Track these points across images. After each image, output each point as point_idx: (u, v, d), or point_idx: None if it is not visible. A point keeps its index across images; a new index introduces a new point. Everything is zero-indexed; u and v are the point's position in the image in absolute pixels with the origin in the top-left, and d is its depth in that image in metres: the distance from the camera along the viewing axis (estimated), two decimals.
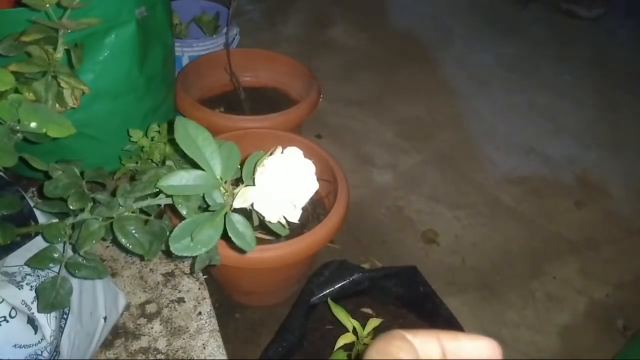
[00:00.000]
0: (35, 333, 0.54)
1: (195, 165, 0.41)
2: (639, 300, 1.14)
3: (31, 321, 0.54)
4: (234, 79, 1.14)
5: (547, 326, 1.06)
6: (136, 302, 0.82)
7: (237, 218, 0.41)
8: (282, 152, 0.40)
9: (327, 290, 0.85)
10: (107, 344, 0.75)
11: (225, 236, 0.41)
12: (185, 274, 0.87)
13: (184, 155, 0.41)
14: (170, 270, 0.87)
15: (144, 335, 0.77)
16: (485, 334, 0.20)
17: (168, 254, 0.82)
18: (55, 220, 0.55)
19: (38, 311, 0.54)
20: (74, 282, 0.57)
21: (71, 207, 0.50)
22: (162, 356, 0.75)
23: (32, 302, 0.55)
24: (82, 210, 0.51)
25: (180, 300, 0.83)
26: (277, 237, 0.78)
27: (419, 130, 1.55)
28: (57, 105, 0.54)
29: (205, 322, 0.80)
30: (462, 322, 0.82)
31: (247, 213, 0.43)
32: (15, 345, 0.52)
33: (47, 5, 0.53)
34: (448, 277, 1.13)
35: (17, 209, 0.55)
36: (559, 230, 1.28)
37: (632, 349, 0.95)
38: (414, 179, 1.37)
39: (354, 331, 0.76)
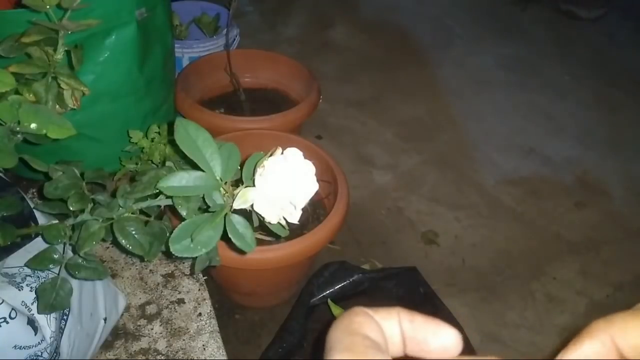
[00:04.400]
0: (36, 334, 0.54)
1: (195, 166, 0.41)
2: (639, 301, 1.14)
3: (31, 322, 0.54)
4: (234, 80, 1.14)
5: (547, 327, 1.06)
6: (136, 303, 0.82)
7: (237, 219, 0.41)
8: (282, 153, 0.40)
9: (327, 291, 0.85)
10: (107, 345, 0.75)
11: (225, 237, 0.41)
12: (185, 275, 0.87)
13: (184, 156, 0.41)
14: (170, 272, 0.87)
15: (144, 337, 0.77)
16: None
17: (168, 255, 0.82)
18: (55, 222, 0.55)
19: (38, 312, 0.54)
20: (74, 283, 0.57)
21: (71, 208, 0.50)
22: (162, 357, 0.75)
23: (32, 303, 0.55)
24: (82, 211, 0.51)
25: (180, 302, 0.83)
26: (277, 238, 0.77)
27: (419, 130, 1.55)
28: (57, 106, 0.54)
29: (205, 323, 0.80)
30: (462, 323, 0.82)
31: (247, 214, 0.43)
32: (15, 346, 0.52)
33: (48, 7, 0.53)
34: (448, 278, 1.13)
35: (17, 210, 0.56)
36: (559, 231, 1.28)
37: None
38: (414, 180, 1.37)
39: None
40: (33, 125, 0.47)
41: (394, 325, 0.18)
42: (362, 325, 0.18)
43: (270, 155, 0.40)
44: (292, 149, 0.40)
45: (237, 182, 0.43)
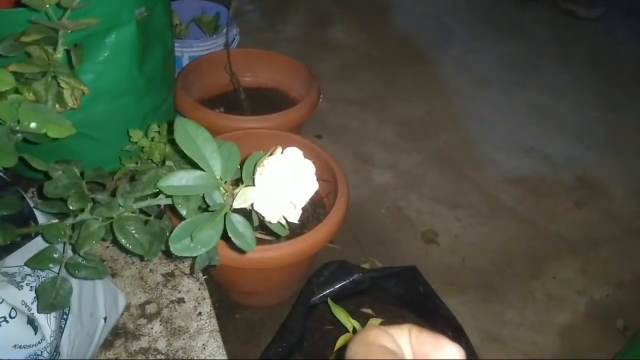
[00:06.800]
0: (35, 333, 0.54)
1: (195, 166, 0.41)
2: (639, 300, 1.14)
3: (31, 321, 0.54)
4: (234, 79, 1.14)
5: (547, 326, 1.06)
6: (136, 302, 0.82)
7: (237, 218, 0.41)
8: (282, 152, 0.40)
9: (327, 291, 0.85)
10: (107, 345, 0.75)
11: (225, 236, 0.41)
12: (185, 274, 0.87)
13: (183, 156, 0.41)
14: (170, 271, 0.87)
15: (144, 336, 0.77)
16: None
17: (168, 254, 0.82)
18: (55, 221, 0.55)
19: (38, 311, 0.54)
20: (74, 282, 0.57)
21: (71, 208, 0.50)
22: (162, 356, 0.75)
23: (32, 303, 0.55)
24: (82, 210, 0.51)
25: (180, 301, 0.83)
26: (277, 237, 0.78)
27: (419, 130, 1.55)
28: (57, 105, 0.54)
29: (205, 323, 0.80)
30: (462, 322, 0.82)
31: (247, 213, 0.43)
32: (15, 346, 0.52)
33: (47, 6, 0.53)
34: (448, 277, 1.13)
35: (17, 209, 0.55)
36: (559, 230, 1.28)
37: (632, 349, 0.95)
38: (413, 179, 1.37)
39: (354, 331, 0.76)
40: (33, 125, 0.46)
41: (405, 339, 0.20)
42: (378, 337, 0.19)
43: (270, 154, 0.40)
44: (292, 148, 0.40)
45: (237, 182, 0.43)
